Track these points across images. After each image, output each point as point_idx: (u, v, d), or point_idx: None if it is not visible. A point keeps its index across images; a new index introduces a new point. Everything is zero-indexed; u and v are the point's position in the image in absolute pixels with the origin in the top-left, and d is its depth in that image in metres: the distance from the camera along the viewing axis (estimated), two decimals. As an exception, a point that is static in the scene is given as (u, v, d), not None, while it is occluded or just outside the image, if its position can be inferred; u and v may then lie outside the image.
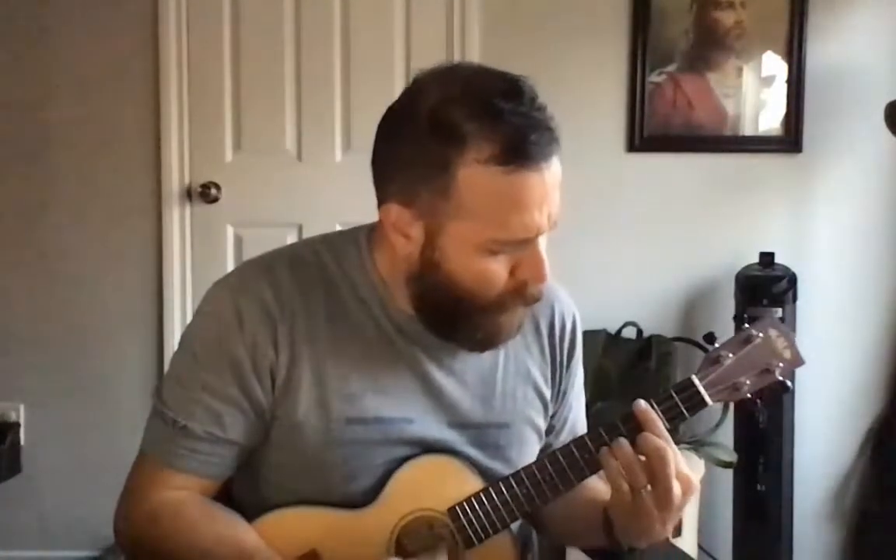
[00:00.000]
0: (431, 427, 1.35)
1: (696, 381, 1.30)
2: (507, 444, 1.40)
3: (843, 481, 3.10)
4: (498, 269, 1.24)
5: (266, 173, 3.15)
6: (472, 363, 1.37)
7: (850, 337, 3.07)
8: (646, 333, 2.97)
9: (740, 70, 3.05)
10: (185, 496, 1.32)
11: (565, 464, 1.30)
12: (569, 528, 1.48)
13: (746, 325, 1.34)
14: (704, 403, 1.30)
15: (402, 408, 1.34)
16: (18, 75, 3.14)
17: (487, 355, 1.37)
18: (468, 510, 1.31)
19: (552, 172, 1.22)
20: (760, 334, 1.33)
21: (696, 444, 2.71)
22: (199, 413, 1.31)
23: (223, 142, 3.15)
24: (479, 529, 1.31)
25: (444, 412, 1.36)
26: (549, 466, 1.31)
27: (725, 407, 2.67)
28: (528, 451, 1.41)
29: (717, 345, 1.33)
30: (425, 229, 1.24)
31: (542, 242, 1.25)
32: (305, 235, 2.92)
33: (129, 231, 3.16)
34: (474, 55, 3.03)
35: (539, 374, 1.44)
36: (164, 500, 1.32)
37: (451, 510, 1.31)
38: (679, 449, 1.27)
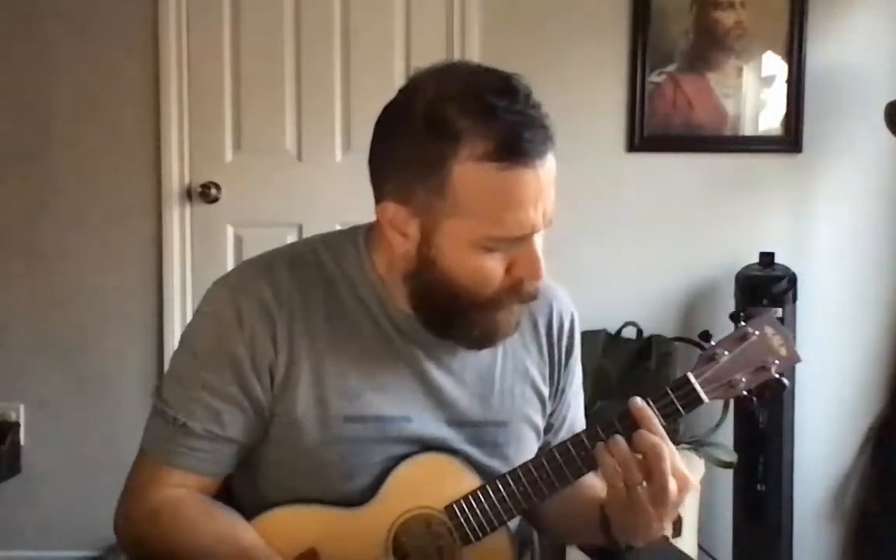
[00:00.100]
0: (430, 425, 1.36)
1: (692, 379, 1.31)
2: (506, 442, 1.40)
3: (843, 481, 3.10)
4: (494, 267, 1.25)
5: (266, 173, 3.15)
6: (471, 361, 1.38)
7: (850, 337, 3.07)
8: (646, 333, 2.97)
9: (740, 70, 3.05)
10: (184, 494, 1.33)
11: (562, 461, 1.31)
12: (567, 527, 1.49)
13: (742, 323, 1.34)
14: (700, 401, 1.31)
15: (400, 406, 1.35)
16: (18, 75, 3.14)
17: (486, 354, 1.37)
18: (465, 508, 1.32)
19: (547, 170, 1.22)
20: (756, 332, 1.33)
21: (696, 444, 2.71)
22: (199, 411, 1.32)
23: (223, 142, 3.15)
24: (476, 527, 1.32)
25: (443, 410, 1.37)
26: (546, 464, 1.31)
27: (725, 407, 2.67)
28: (527, 450, 1.42)
29: (713, 342, 1.34)
30: (421, 227, 1.25)
31: (538, 240, 1.26)
32: (305, 235, 2.92)
33: (129, 231, 3.16)
34: (474, 55, 3.03)
35: (537, 373, 1.44)
36: (164, 498, 1.32)
37: (449, 508, 1.32)
38: (679, 449, 1.27)
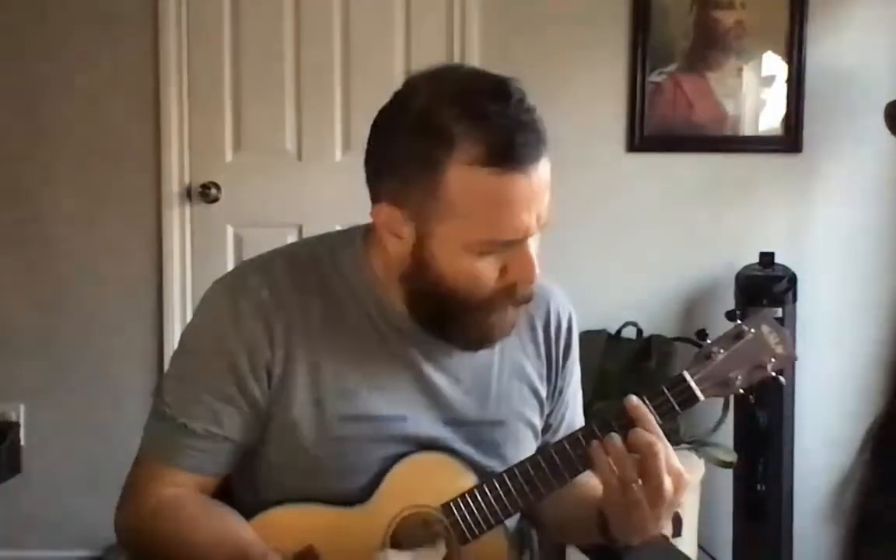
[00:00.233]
0: (426, 425, 1.36)
1: (688, 377, 1.31)
2: (503, 441, 1.40)
3: (843, 481, 3.11)
4: (487, 270, 1.25)
5: (266, 173, 3.15)
6: (468, 361, 1.38)
7: (849, 337, 3.07)
8: (646, 333, 2.97)
9: (740, 70, 3.05)
10: (183, 493, 1.34)
11: (559, 460, 1.31)
12: (565, 526, 1.49)
13: (739, 321, 1.34)
14: (696, 399, 1.31)
15: (396, 405, 1.35)
16: (18, 75, 3.14)
17: (483, 354, 1.38)
18: (462, 506, 1.32)
19: (540, 174, 1.22)
20: (752, 330, 1.34)
21: (696, 444, 2.71)
22: (198, 411, 1.32)
23: (223, 142, 3.15)
24: (472, 525, 1.32)
25: (439, 410, 1.37)
26: (542, 463, 1.32)
27: (725, 407, 2.67)
28: (524, 449, 1.42)
29: (709, 341, 1.34)
30: (416, 229, 1.25)
31: (533, 243, 1.26)
32: (305, 235, 2.92)
33: (129, 231, 3.17)
34: (474, 55, 3.04)
35: (534, 373, 1.45)
36: (163, 497, 1.33)
37: (446, 506, 1.32)
38: (679, 449, 1.28)
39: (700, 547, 2.89)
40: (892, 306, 3.06)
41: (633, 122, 3.07)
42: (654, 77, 3.06)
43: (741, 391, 1.33)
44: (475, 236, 1.22)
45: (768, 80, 3.06)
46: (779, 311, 2.82)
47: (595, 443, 1.27)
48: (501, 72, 1.26)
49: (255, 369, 1.31)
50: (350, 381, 1.34)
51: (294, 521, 1.33)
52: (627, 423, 1.27)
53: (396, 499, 1.33)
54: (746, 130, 3.08)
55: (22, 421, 3.20)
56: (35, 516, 3.18)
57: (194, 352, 1.35)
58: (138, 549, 1.36)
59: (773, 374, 1.33)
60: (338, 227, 1.44)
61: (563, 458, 1.31)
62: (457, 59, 3.00)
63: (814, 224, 3.07)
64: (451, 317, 1.29)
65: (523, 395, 1.44)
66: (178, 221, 3.16)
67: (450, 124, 1.20)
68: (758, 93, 3.08)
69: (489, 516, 1.32)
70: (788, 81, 3.03)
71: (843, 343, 3.07)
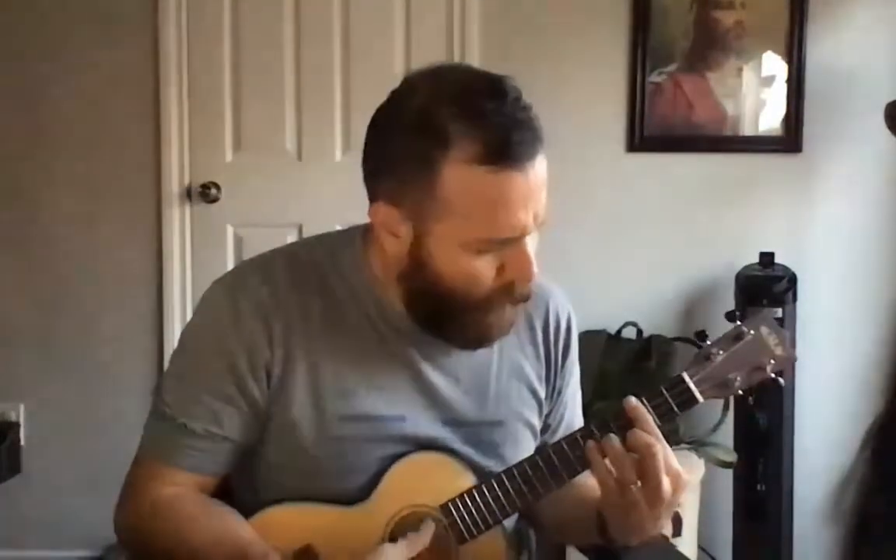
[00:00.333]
0: (425, 425, 1.36)
1: (687, 378, 1.32)
2: (501, 441, 1.40)
3: (843, 481, 3.10)
4: (485, 269, 1.25)
5: (266, 173, 3.15)
6: (466, 361, 1.38)
7: (850, 337, 3.07)
8: (646, 333, 2.97)
9: (740, 70, 3.05)
10: (183, 492, 1.34)
11: (557, 461, 1.32)
12: (564, 526, 1.49)
13: (738, 322, 1.34)
14: (695, 400, 1.31)
15: (395, 405, 1.35)
16: (18, 75, 3.14)
17: (482, 353, 1.38)
18: (460, 506, 1.32)
19: (536, 172, 1.22)
20: (752, 331, 1.34)
21: (696, 444, 2.71)
22: (198, 411, 1.33)
23: (223, 142, 3.15)
24: (471, 525, 1.32)
25: (438, 410, 1.37)
26: (541, 463, 1.32)
27: (725, 407, 2.67)
28: (523, 449, 1.42)
29: (708, 342, 1.34)
30: (413, 229, 1.25)
31: (530, 241, 1.26)
32: (305, 235, 2.92)
33: (129, 231, 3.17)
34: (474, 55, 3.04)
35: (533, 373, 1.45)
36: (162, 496, 1.33)
37: (444, 506, 1.33)
38: (679, 449, 1.27)
39: (700, 547, 2.89)
40: (892, 306, 3.06)
41: (633, 122, 3.07)
42: (654, 77, 3.05)
43: (740, 393, 1.34)
44: (472, 235, 1.22)
45: (768, 80, 3.06)
46: (779, 311, 2.82)
47: (591, 443, 1.28)
48: (501, 72, 1.26)
49: (254, 369, 1.32)
50: (349, 381, 1.34)
51: (293, 520, 1.33)
52: (626, 423, 1.27)
53: (395, 498, 1.34)
54: (746, 130, 3.08)
55: (22, 421, 3.20)
56: (35, 516, 3.18)
57: (194, 351, 1.36)
58: (137, 548, 1.37)
59: (773, 375, 1.33)
60: (338, 227, 1.44)
61: (561, 458, 1.31)
62: (457, 59, 2.99)
63: (814, 224, 3.07)
64: (450, 316, 1.29)
65: (522, 396, 1.44)
66: (178, 221, 3.16)
67: (446, 123, 1.20)
68: (758, 93, 3.08)
69: (487, 516, 1.32)
70: (788, 81, 3.03)
71: (843, 343, 3.07)
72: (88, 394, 3.19)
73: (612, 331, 2.98)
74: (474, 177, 1.20)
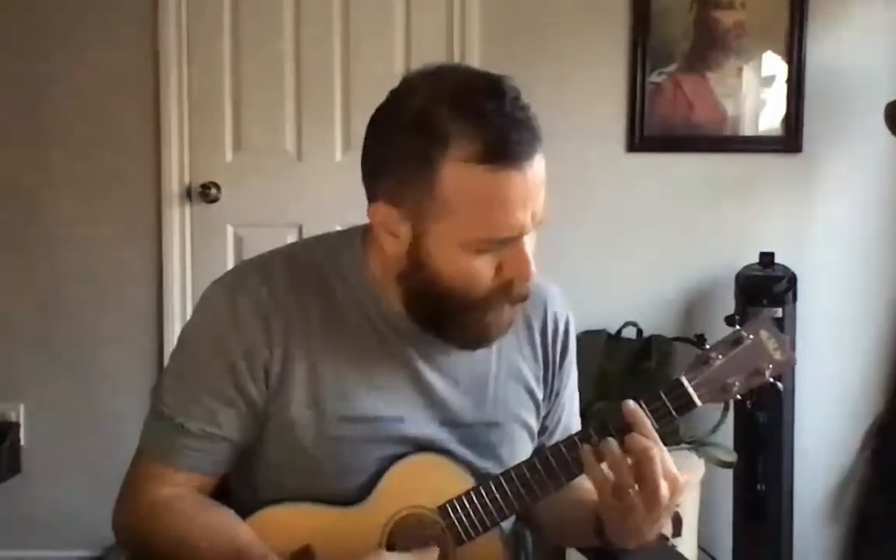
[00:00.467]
0: (423, 426, 1.37)
1: (685, 382, 1.31)
2: (499, 443, 1.40)
3: (843, 481, 3.10)
4: (483, 268, 1.25)
5: (266, 173, 3.15)
6: (465, 362, 1.38)
7: (850, 337, 3.07)
8: (646, 333, 2.97)
9: (740, 70, 3.05)
10: (181, 492, 1.34)
11: (555, 463, 1.31)
12: (561, 529, 1.49)
13: (737, 326, 1.34)
14: (693, 404, 1.31)
15: (394, 406, 1.35)
16: (18, 75, 3.14)
17: (480, 355, 1.38)
18: (458, 508, 1.32)
19: (534, 171, 1.22)
20: (751, 336, 1.33)
21: (696, 444, 2.71)
22: (196, 411, 1.33)
23: (223, 142, 3.15)
24: (469, 527, 1.32)
25: (436, 411, 1.37)
26: (538, 466, 1.32)
27: (725, 407, 2.67)
28: (520, 451, 1.42)
29: (707, 346, 1.34)
30: (412, 228, 1.25)
31: (528, 241, 1.26)
32: (305, 235, 2.92)
33: (129, 231, 3.17)
34: (474, 55, 3.04)
35: (531, 375, 1.45)
36: (160, 496, 1.34)
37: (442, 508, 1.33)
38: (679, 449, 1.28)
39: (700, 547, 2.89)
40: (892, 306, 3.06)
41: (633, 122, 3.07)
42: (654, 77, 3.05)
43: (739, 397, 1.34)
44: (471, 234, 1.22)
45: (768, 80, 3.06)
46: (779, 311, 2.82)
47: (587, 447, 1.28)
48: (501, 72, 1.26)
49: (253, 369, 1.32)
50: (348, 381, 1.34)
51: (291, 520, 1.33)
52: (624, 427, 1.27)
53: (394, 499, 1.34)
54: (746, 130, 3.08)
55: (22, 421, 3.20)
56: (35, 516, 3.18)
57: (193, 351, 1.36)
58: (136, 548, 1.37)
59: (771, 380, 1.33)
60: (338, 228, 1.44)
61: (559, 461, 1.31)
62: (457, 60, 3.00)
63: (814, 224, 3.07)
64: (448, 316, 1.29)
65: (520, 397, 1.44)
66: (178, 221, 3.16)
67: (445, 122, 1.20)
68: (758, 93, 3.08)
69: (485, 518, 1.32)
70: (788, 81, 3.03)
71: (843, 343, 3.07)
72: (88, 394, 3.19)
73: (612, 331, 2.98)
74: (473, 176, 1.20)
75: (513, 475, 1.32)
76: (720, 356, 1.33)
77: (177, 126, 3.12)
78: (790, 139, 3.04)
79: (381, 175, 1.27)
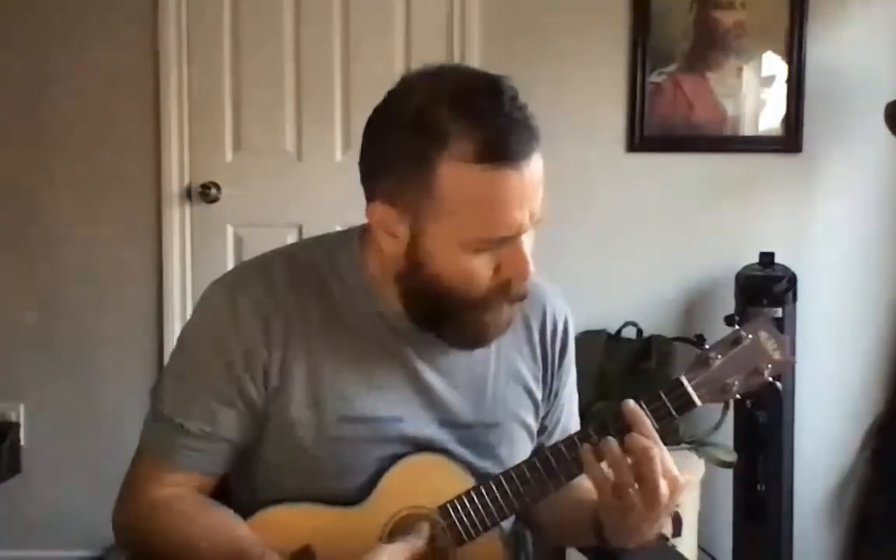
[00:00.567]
0: (422, 426, 1.37)
1: (685, 382, 1.32)
2: (498, 443, 1.41)
3: (843, 481, 3.10)
4: (481, 268, 1.25)
5: (266, 173, 3.15)
6: (464, 362, 1.38)
7: (850, 337, 3.07)
8: (646, 333, 2.97)
9: (740, 70, 3.05)
10: (181, 493, 1.34)
11: (554, 462, 1.32)
12: (561, 528, 1.49)
13: (736, 326, 1.35)
14: (693, 404, 1.32)
15: (393, 406, 1.36)
16: (18, 75, 3.14)
17: (479, 355, 1.38)
18: (458, 508, 1.32)
19: (532, 170, 1.22)
20: (750, 336, 1.34)
21: (696, 444, 2.71)
22: (195, 411, 1.33)
23: (223, 142, 3.15)
24: (469, 527, 1.32)
25: (435, 411, 1.38)
26: (538, 465, 1.32)
27: (725, 407, 2.67)
28: (519, 451, 1.42)
29: (706, 346, 1.34)
30: (410, 228, 1.25)
31: (527, 240, 1.26)
32: (305, 235, 2.92)
33: (129, 231, 3.17)
34: (474, 55, 3.04)
35: (529, 375, 1.45)
36: (160, 496, 1.34)
37: (442, 508, 1.33)
38: (679, 449, 1.28)
39: (700, 547, 2.89)
40: (892, 306, 3.06)
41: (633, 122, 3.06)
42: (654, 77, 3.05)
43: (738, 397, 1.34)
44: (469, 234, 1.22)
45: (768, 80, 3.06)
46: (779, 312, 2.82)
47: (586, 446, 1.28)
48: (501, 72, 1.26)
49: (252, 369, 1.32)
50: (348, 381, 1.34)
51: (291, 520, 1.33)
52: (624, 427, 1.27)
53: (394, 500, 1.34)
54: (746, 130, 3.08)
55: (22, 421, 3.20)
56: (35, 516, 3.18)
57: (192, 351, 1.36)
58: (135, 548, 1.37)
59: (770, 379, 1.33)
60: (338, 228, 1.44)
61: (558, 460, 1.31)
62: (457, 60, 3.00)
63: (814, 224, 3.07)
64: (447, 316, 1.29)
65: (519, 397, 1.44)
66: (178, 221, 3.16)
67: (442, 122, 1.20)
68: (758, 93, 3.08)
69: (485, 518, 1.32)
70: (788, 81, 3.03)
71: (843, 343, 3.07)
72: (88, 394, 3.19)
73: (612, 331, 2.98)
74: (470, 175, 1.20)
75: (512, 475, 1.33)
76: (719, 356, 1.33)
77: (177, 126, 3.12)
78: (790, 139, 3.04)
79: (379, 175, 1.27)
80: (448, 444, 1.37)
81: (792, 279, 2.90)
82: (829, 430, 3.08)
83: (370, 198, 1.28)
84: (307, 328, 1.33)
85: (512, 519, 1.43)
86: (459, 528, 1.32)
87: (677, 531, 2.57)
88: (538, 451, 1.38)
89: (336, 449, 1.33)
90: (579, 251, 3.03)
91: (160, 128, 3.12)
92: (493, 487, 1.32)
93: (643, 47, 3.04)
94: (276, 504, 1.34)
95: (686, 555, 1.62)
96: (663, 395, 1.31)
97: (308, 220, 3.08)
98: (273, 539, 1.30)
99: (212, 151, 3.15)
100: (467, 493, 1.33)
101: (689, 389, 1.31)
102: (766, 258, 2.93)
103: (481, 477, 1.35)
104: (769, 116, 3.07)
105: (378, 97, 1.30)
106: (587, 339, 2.80)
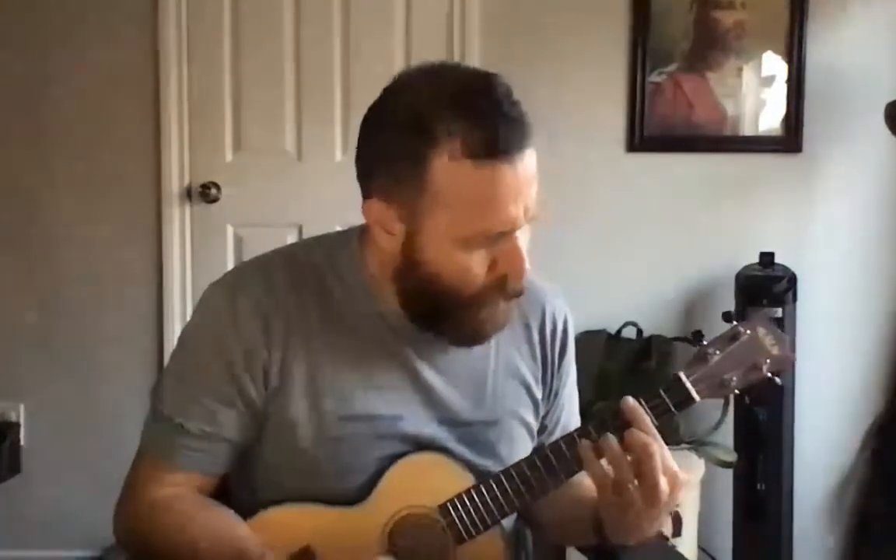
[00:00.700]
0: (421, 424, 1.37)
1: (683, 378, 1.32)
2: (497, 441, 1.41)
3: (843, 481, 3.10)
4: (477, 264, 1.26)
5: (266, 173, 3.15)
6: (463, 361, 1.38)
7: (850, 337, 3.07)
8: (646, 333, 2.97)
9: (740, 70, 3.05)
10: (181, 493, 1.35)
11: (554, 460, 1.32)
12: (561, 527, 1.49)
13: (734, 322, 1.35)
14: (692, 400, 1.32)
15: (393, 405, 1.36)
16: (18, 75, 3.14)
17: (478, 353, 1.38)
18: (458, 507, 1.33)
19: (525, 165, 1.23)
20: (748, 331, 1.34)
21: (696, 444, 2.71)
22: (195, 411, 1.33)
23: (223, 142, 3.15)
24: (469, 526, 1.32)
25: (434, 409, 1.38)
26: (538, 463, 1.32)
27: (725, 407, 2.67)
28: (519, 449, 1.42)
29: (704, 342, 1.34)
30: (405, 225, 1.26)
31: (522, 236, 1.26)
32: (305, 235, 2.92)
33: (129, 231, 3.17)
34: (474, 55, 3.03)
35: (529, 374, 1.45)
36: (160, 496, 1.34)
37: (442, 507, 1.33)
38: (679, 449, 1.28)
39: (700, 547, 2.89)
40: (892, 306, 3.06)
41: (633, 122, 3.06)
42: (654, 77, 3.05)
43: (737, 392, 1.34)
44: (463, 230, 1.23)
45: (768, 80, 3.06)
46: (779, 311, 2.82)
47: (586, 442, 1.28)
48: (501, 72, 1.27)
49: (252, 369, 1.32)
50: (347, 380, 1.34)
51: (291, 520, 1.33)
52: (623, 423, 1.27)
53: (394, 499, 1.34)
54: (746, 130, 3.08)
55: (22, 421, 3.20)
56: (35, 516, 3.18)
57: (192, 351, 1.37)
58: (136, 548, 1.37)
59: (769, 375, 1.33)
60: (337, 228, 1.44)
61: (558, 458, 1.32)
62: (457, 60, 2.99)
63: (814, 224, 3.07)
64: (444, 313, 1.29)
65: (518, 395, 1.44)
66: (178, 221, 3.16)
67: (435, 119, 1.21)
68: (758, 93, 3.08)
69: (486, 516, 1.33)
70: (788, 81, 3.03)
71: (843, 343, 3.06)
72: (88, 394, 3.19)
73: (612, 331, 2.98)
74: (463, 171, 1.21)
75: (512, 473, 1.33)
76: (718, 352, 1.33)
77: (177, 126, 3.12)
78: (790, 139, 3.04)
79: (374, 173, 1.27)
80: (448, 442, 1.37)
81: (792, 279, 2.90)
82: (829, 430, 3.08)
83: (366, 195, 1.29)
84: (307, 328, 1.34)
85: (513, 518, 1.43)
86: (459, 526, 1.32)
87: (677, 531, 2.57)
88: (538, 450, 1.38)
89: (336, 449, 1.34)
90: (579, 251, 3.03)
91: (160, 128, 3.12)
92: (493, 486, 1.33)
93: (643, 47, 3.04)
94: (276, 504, 1.34)
95: (686, 555, 1.62)
96: (662, 392, 1.31)
97: (308, 220, 3.08)
98: (273, 539, 1.30)
99: (212, 151, 3.15)
100: (467, 492, 1.33)
101: (688, 385, 1.31)
102: (766, 258, 2.93)
103: (481, 475, 1.35)
104: (769, 116, 3.07)
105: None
106: (587, 339, 2.81)
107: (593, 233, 3.08)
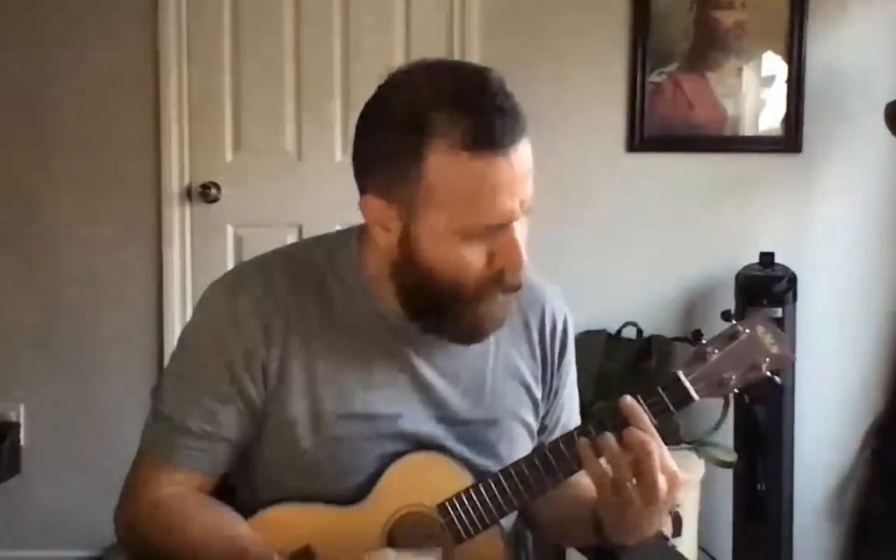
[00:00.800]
0: (421, 423, 1.37)
1: (682, 377, 1.32)
2: (496, 440, 1.41)
3: (843, 481, 3.10)
4: (474, 257, 1.26)
5: (266, 173, 3.15)
6: (462, 360, 1.38)
7: (850, 337, 3.07)
8: (646, 333, 2.97)
9: (740, 70, 3.05)
10: (181, 492, 1.35)
11: (553, 459, 1.32)
12: (560, 526, 1.49)
13: (733, 321, 1.35)
14: (691, 398, 1.31)
15: (392, 404, 1.36)
16: (18, 75, 3.14)
17: (477, 349, 1.38)
18: (458, 506, 1.32)
19: (520, 157, 1.23)
20: (747, 330, 1.34)
21: (696, 444, 2.71)
22: (195, 411, 1.33)
23: (223, 142, 3.15)
24: (468, 525, 1.32)
25: (433, 408, 1.38)
26: (537, 462, 1.32)
27: (725, 407, 2.67)
28: (519, 448, 1.42)
29: (703, 341, 1.34)
30: (402, 220, 1.26)
31: (519, 229, 1.26)
32: (305, 235, 2.92)
33: (129, 231, 3.17)
34: (474, 56, 3.03)
35: (528, 373, 1.45)
36: (161, 495, 1.34)
37: (442, 506, 1.33)
38: (679, 449, 1.28)
39: (700, 547, 2.89)
40: (892, 306, 3.06)
41: (633, 122, 3.06)
42: (654, 77, 3.05)
43: (736, 391, 1.34)
44: (460, 223, 1.23)
45: (768, 80, 3.06)
46: (779, 311, 2.82)
47: (584, 441, 1.28)
48: (502, 72, 1.27)
49: (251, 369, 1.32)
50: (347, 380, 1.35)
51: (291, 520, 1.33)
52: (622, 422, 1.27)
53: (393, 498, 1.34)
54: (746, 130, 3.08)
55: (22, 421, 3.20)
56: (35, 516, 3.18)
57: (192, 351, 1.37)
58: (137, 548, 1.37)
59: (769, 374, 1.33)
60: (338, 228, 1.44)
61: (557, 457, 1.31)
62: (457, 59, 3.00)
63: (814, 224, 3.07)
64: (442, 309, 1.29)
65: (517, 394, 1.44)
66: (178, 221, 3.16)
67: (430, 114, 1.21)
68: (758, 93, 3.08)
69: (485, 516, 1.32)
70: (788, 81, 3.03)
71: (843, 343, 3.07)
72: (88, 394, 3.19)
73: (612, 331, 2.98)
74: (458, 163, 1.21)
75: (512, 472, 1.32)
76: (716, 350, 1.33)
77: (177, 126, 3.12)
78: (790, 139, 3.04)
79: (370, 169, 1.28)
80: (446, 440, 1.37)
81: (792, 279, 2.90)
82: (829, 430, 3.08)
83: (363, 191, 1.29)
84: (307, 328, 1.34)
85: (513, 518, 1.43)
86: (458, 525, 1.32)
87: (677, 531, 2.57)
88: (537, 449, 1.38)
89: (335, 448, 1.34)
90: (579, 251, 3.03)
91: (160, 128, 3.12)
92: (492, 485, 1.32)
93: (643, 47, 3.04)
94: (276, 504, 1.35)
95: (686, 555, 1.61)
96: (661, 390, 1.31)
97: (308, 220, 3.08)
98: (273, 539, 1.30)
99: (212, 151, 3.15)
100: (466, 491, 1.33)
101: (687, 384, 1.31)
102: (766, 258, 2.93)
103: (480, 475, 1.35)
104: (769, 116, 3.07)
105: (378, 97, 1.31)
106: (587, 339, 2.81)
107: (593, 233, 3.08)
